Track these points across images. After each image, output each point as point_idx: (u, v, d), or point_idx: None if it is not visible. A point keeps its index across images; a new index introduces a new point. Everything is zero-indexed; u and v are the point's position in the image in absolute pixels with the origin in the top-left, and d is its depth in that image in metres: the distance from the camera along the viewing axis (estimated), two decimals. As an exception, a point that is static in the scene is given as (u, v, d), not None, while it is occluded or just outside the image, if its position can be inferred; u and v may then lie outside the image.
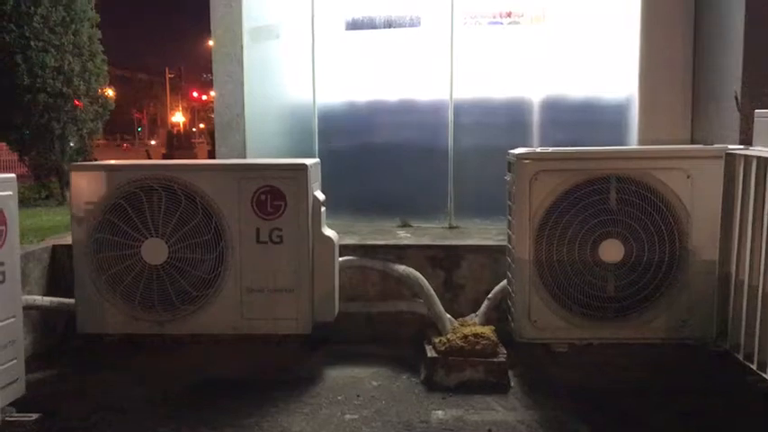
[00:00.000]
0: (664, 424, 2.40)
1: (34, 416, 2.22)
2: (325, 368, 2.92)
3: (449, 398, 2.62)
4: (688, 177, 2.70)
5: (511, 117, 4.11)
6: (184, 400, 2.62)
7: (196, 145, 26.57)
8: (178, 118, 41.11)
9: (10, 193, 2.23)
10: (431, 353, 2.80)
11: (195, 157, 18.75)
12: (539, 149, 2.83)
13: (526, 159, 2.73)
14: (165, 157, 19.24)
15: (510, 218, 2.89)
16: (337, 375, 2.85)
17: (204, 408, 2.53)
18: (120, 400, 2.58)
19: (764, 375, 2.29)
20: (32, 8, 5.93)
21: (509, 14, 4.12)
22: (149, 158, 17.02)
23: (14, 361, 2.24)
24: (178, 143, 23.30)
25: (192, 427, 2.38)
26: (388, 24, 4.18)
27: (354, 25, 4.22)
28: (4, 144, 7.45)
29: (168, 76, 41.83)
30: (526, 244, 2.73)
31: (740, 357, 2.45)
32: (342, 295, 3.05)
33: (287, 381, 2.78)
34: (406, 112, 4.19)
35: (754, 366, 2.36)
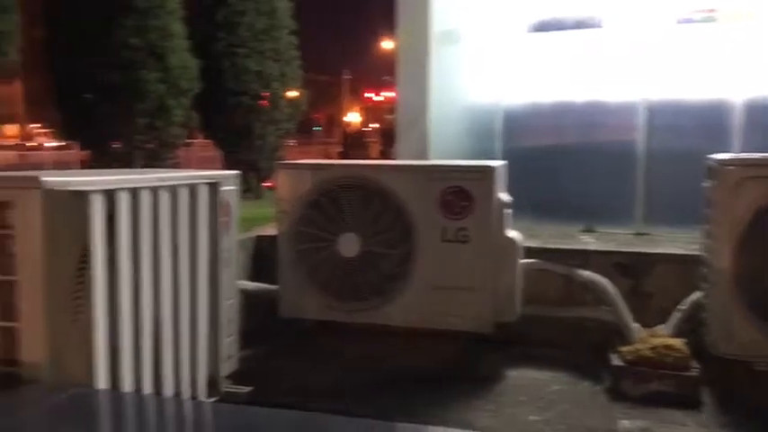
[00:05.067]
0: None
1: (246, 389, 2.46)
2: (505, 368, 2.95)
3: (635, 408, 2.56)
4: None
5: (708, 120, 3.89)
6: (373, 387, 2.77)
7: (369, 144, 27.50)
8: (353, 118, 42.73)
9: (234, 188, 2.50)
10: (617, 361, 2.74)
11: (369, 156, 19.42)
12: (744, 155, 2.68)
13: (730, 165, 2.59)
14: (341, 155, 20.13)
15: (708, 226, 2.75)
16: (518, 376, 2.87)
17: (392, 396, 2.66)
18: (314, 383, 2.79)
19: None
20: (240, 18, 6.52)
21: (708, 11, 3.90)
22: (328, 157, 17.88)
23: (232, 338, 2.50)
24: (353, 142, 24.26)
25: (388, 415, 2.51)
26: (574, 25, 4.11)
27: (539, 27, 4.20)
28: (208, 141, 8.22)
29: (346, 77, 43.62)
30: (726, 255, 2.59)
31: None
32: (523, 298, 3.07)
33: (468, 378, 2.85)
34: (593, 113, 4.11)
35: None
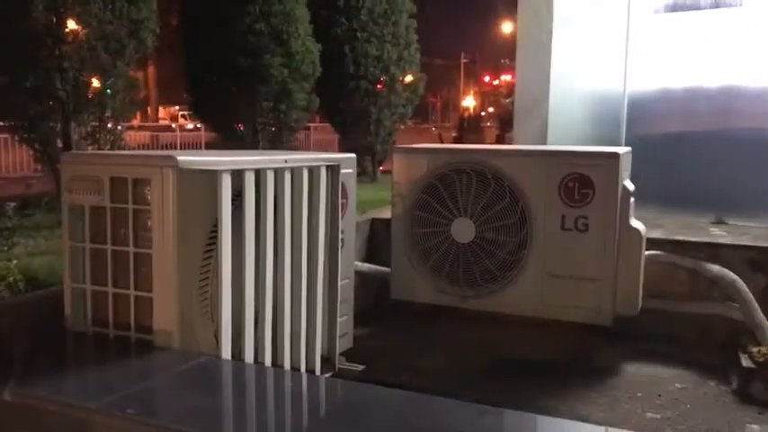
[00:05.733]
0: None
1: (360, 367, 2.52)
2: (623, 363, 2.85)
3: (765, 413, 2.40)
4: None
5: None
6: (484, 373, 2.76)
7: (485, 129, 27.16)
8: (469, 102, 42.35)
9: (351, 170, 2.55)
10: (747, 362, 2.58)
11: (484, 141, 19.20)
12: None
13: None
14: (456, 140, 20.02)
15: None
16: (637, 372, 2.77)
17: (503, 383, 2.64)
18: (425, 365, 2.81)
19: None
20: (360, 2, 6.60)
21: None
22: (441, 141, 17.83)
23: (347, 317, 2.57)
24: (468, 126, 24.04)
25: (493, 401, 2.49)
26: (711, 5, 3.86)
27: (671, 7, 3.98)
28: (325, 125, 8.42)
29: (463, 61, 43.25)
30: None
31: None
32: (646, 291, 2.94)
33: (585, 370, 2.78)
34: (727, 99, 3.86)
35: None
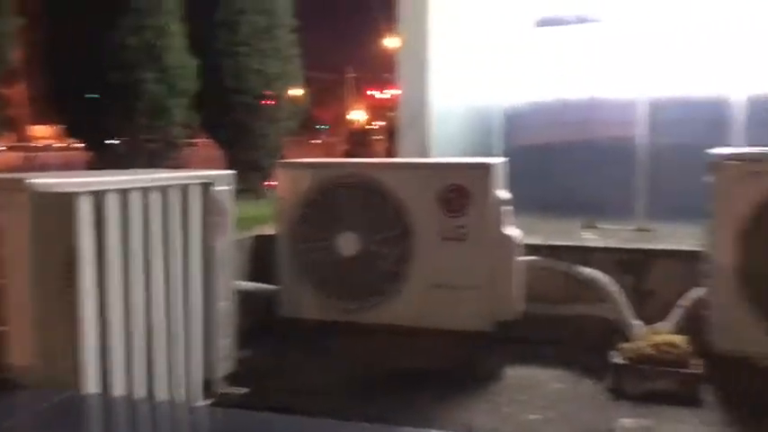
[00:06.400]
0: None
1: (243, 390, 2.45)
2: (505, 367, 2.93)
3: (637, 407, 2.53)
4: None
5: (710, 115, 3.85)
6: (371, 387, 2.76)
7: (373, 142, 27.47)
8: (357, 116, 42.71)
9: (228, 187, 2.48)
10: (618, 359, 2.71)
11: (374, 154, 19.41)
12: (745, 150, 2.64)
13: (732, 160, 2.56)
14: (347, 153, 20.12)
15: (710, 222, 2.72)
16: (518, 375, 2.85)
17: (390, 396, 2.65)
18: (314, 383, 2.77)
19: None
20: (239, 16, 6.51)
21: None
22: (333, 156, 17.86)
23: (228, 339, 2.49)
24: (358, 140, 24.25)
25: (381, 415, 2.50)
26: (576, 20, 4.08)
27: (542, 22, 4.17)
28: (209, 140, 8.23)
29: (349, 75, 43.60)
30: (728, 250, 2.56)
31: None
32: (524, 296, 3.04)
33: (467, 377, 2.83)
34: (593, 109, 4.08)
35: None
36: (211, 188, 2.12)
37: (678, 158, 3.81)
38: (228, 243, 2.52)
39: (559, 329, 3.18)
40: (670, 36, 3.90)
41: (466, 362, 2.99)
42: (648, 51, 3.93)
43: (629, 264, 3.18)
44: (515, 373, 2.86)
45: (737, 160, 2.56)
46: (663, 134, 3.92)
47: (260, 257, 3.56)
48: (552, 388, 2.71)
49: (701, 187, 2.80)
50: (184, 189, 2.02)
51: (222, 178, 2.44)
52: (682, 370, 2.58)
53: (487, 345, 3.09)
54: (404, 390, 2.71)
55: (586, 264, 3.10)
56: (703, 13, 3.88)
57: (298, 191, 3.07)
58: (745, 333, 2.56)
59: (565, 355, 3.01)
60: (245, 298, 3.38)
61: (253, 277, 3.45)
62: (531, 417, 2.46)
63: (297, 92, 7.01)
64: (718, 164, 2.62)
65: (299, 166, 3.16)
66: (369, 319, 3.03)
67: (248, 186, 6.88)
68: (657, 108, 3.93)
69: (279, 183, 3.13)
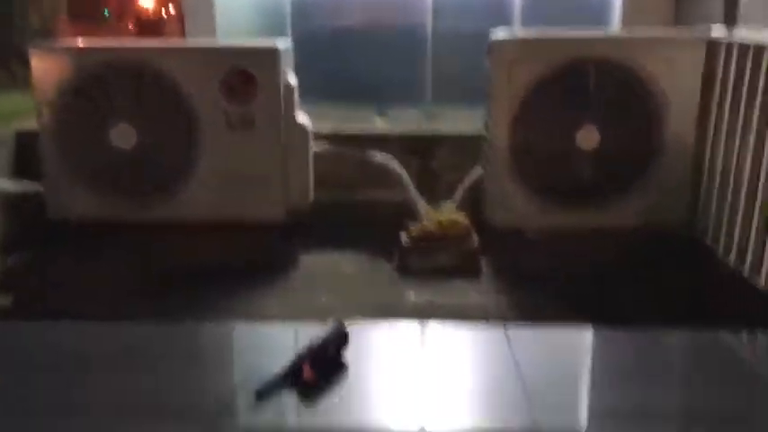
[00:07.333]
0: (620, 305, 2.45)
1: (9, 299, 2.22)
2: (300, 255, 2.92)
3: (422, 283, 2.66)
4: (669, 64, 2.65)
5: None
6: (159, 287, 2.62)
7: (167, 32, 25.50)
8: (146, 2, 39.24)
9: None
10: (404, 239, 2.81)
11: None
12: (519, 33, 2.75)
13: (505, 43, 2.65)
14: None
15: (488, 104, 2.84)
16: (312, 262, 2.86)
17: (180, 295, 2.54)
18: (93, 288, 2.57)
19: (728, 259, 2.35)
20: None
21: None
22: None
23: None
24: (148, 29, 22.39)
25: (169, 314, 2.39)
26: None
27: None
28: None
29: (134, -45, 39.61)
30: (503, 130, 2.70)
31: (708, 242, 2.50)
32: (318, 183, 3.03)
33: (261, 269, 2.79)
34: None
35: (719, 251, 2.42)
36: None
37: (462, 43, 3.90)
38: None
39: (351, 215, 3.24)
40: None
41: (259, 254, 2.94)
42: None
43: (416, 148, 3.27)
44: (309, 261, 2.87)
45: (509, 43, 2.65)
46: (447, 18, 3.96)
47: (24, 155, 3.18)
48: (345, 272, 2.76)
49: (483, 71, 2.90)
50: None
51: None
52: (461, 245, 2.75)
53: (281, 235, 3.06)
54: (194, 287, 2.60)
55: (378, 149, 3.13)
56: None
57: (59, 78, 2.73)
58: (516, 208, 2.76)
59: (359, 240, 3.07)
60: (9, 200, 3.04)
61: (19, 177, 3.09)
62: (324, 300, 2.50)
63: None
64: (493, 47, 2.71)
65: (58, 51, 2.79)
66: (152, 217, 2.86)
67: (12, 76, 6.08)
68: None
69: (36, 69, 2.75)
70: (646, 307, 2.45)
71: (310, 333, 1.55)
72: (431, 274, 2.71)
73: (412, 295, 2.53)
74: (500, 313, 2.42)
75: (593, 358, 2.03)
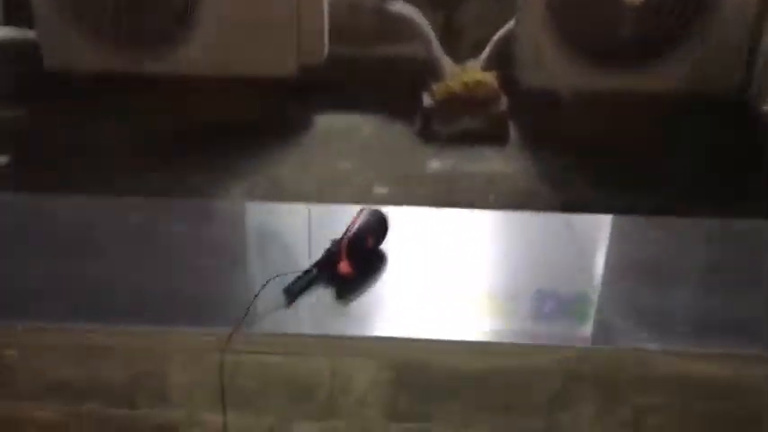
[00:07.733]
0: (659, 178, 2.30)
1: (3, 158, 2.09)
2: (314, 115, 2.74)
3: (445, 148, 2.50)
4: None
5: None
6: (169, 143, 2.47)
7: None
8: None
9: None
10: (427, 101, 2.62)
11: None
12: None
13: None
14: None
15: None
16: (328, 123, 2.69)
17: (190, 152, 2.39)
18: (99, 143, 2.42)
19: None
20: None
21: None
22: None
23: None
24: None
25: (179, 171, 2.26)
26: None
27: None
28: None
29: None
30: (540, -19, 2.43)
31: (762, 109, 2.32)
32: (332, 36, 2.78)
33: (274, 128, 2.62)
34: None
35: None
36: None
37: None
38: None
39: (369, 72, 3.01)
40: None
41: (270, 111, 2.75)
42: None
43: (440, 0, 2.99)
44: (324, 122, 2.69)
45: None
46: None
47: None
48: (363, 134, 2.60)
49: None
50: None
51: None
52: (489, 108, 2.56)
53: (293, 91, 2.85)
54: (203, 147, 2.46)
55: (397, -1, 2.86)
56: None
57: None
58: (552, 66, 2.54)
59: (376, 100, 2.87)
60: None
61: (7, 23, 2.87)
62: (341, 165, 2.36)
63: None
64: None
65: None
66: (156, 68, 2.64)
67: None
68: None
69: None
70: (688, 189, 2.27)
71: (341, 217, 1.33)
72: (455, 139, 2.55)
73: (434, 163, 2.38)
74: (529, 185, 2.28)
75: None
